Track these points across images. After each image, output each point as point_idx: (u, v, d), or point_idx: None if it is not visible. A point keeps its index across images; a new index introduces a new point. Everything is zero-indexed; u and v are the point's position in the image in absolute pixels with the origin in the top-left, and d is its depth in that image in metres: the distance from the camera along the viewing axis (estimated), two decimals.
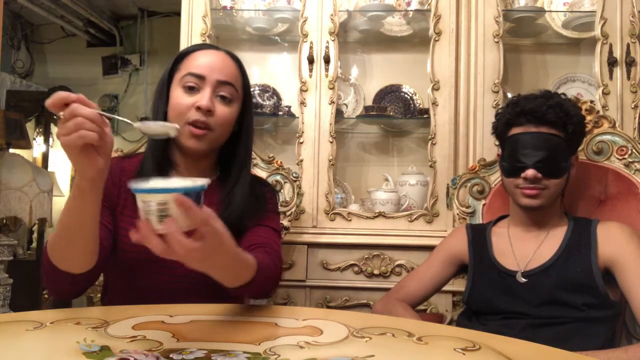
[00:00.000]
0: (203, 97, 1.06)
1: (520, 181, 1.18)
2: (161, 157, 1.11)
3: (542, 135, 1.16)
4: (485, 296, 1.23)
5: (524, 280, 1.18)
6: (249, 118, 1.18)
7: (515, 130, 1.21)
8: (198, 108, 1.05)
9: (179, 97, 1.07)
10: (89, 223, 0.85)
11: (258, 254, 0.95)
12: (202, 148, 1.09)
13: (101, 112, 0.76)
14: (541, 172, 1.16)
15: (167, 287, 1.06)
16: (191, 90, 1.07)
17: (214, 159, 1.19)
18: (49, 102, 0.75)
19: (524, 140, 1.18)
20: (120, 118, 0.86)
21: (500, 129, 1.26)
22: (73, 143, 0.75)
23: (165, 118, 1.09)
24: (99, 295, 1.24)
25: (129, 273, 1.08)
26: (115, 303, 1.03)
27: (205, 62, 1.09)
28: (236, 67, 1.14)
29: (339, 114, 2.03)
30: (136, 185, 0.66)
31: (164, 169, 1.10)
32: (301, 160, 1.95)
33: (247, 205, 1.11)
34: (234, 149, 1.17)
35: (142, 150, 1.55)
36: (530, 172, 1.16)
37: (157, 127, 0.87)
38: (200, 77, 1.07)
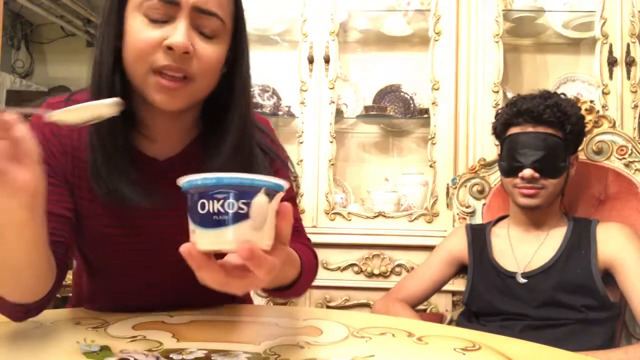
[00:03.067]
0: (176, 31, 0.70)
1: (518, 181, 1.19)
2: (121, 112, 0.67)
3: (539, 135, 1.16)
4: (484, 297, 1.23)
5: (524, 281, 1.18)
6: (243, 52, 0.80)
7: (513, 130, 1.21)
8: (169, 48, 0.70)
9: (139, 29, 0.71)
10: (39, 251, 0.64)
11: (298, 246, 0.79)
12: (178, 106, 0.75)
13: None
14: (538, 172, 1.16)
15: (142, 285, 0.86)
16: (157, 21, 0.71)
17: (198, 114, 0.83)
18: None
19: (522, 140, 1.18)
20: (24, 110, 0.56)
21: (499, 128, 1.26)
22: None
23: (117, 61, 0.74)
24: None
25: (98, 270, 0.88)
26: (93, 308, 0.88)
27: None
28: None
29: (339, 114, 2.03)
30: (189, 178, 0.49)
31: (125, 130, 0.76)
32: (301, 160, 1.95)
33: (243, 159, 0.80)
34: (225, 98, 0.80)
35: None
36: (527, 172, 1.16)
37: (84, 112, 0.59)
38: (173, 3, 0.70)
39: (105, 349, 0.65)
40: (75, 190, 0.78)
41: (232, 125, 0.79)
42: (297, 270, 0.75)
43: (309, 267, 0.80)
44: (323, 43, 1.97)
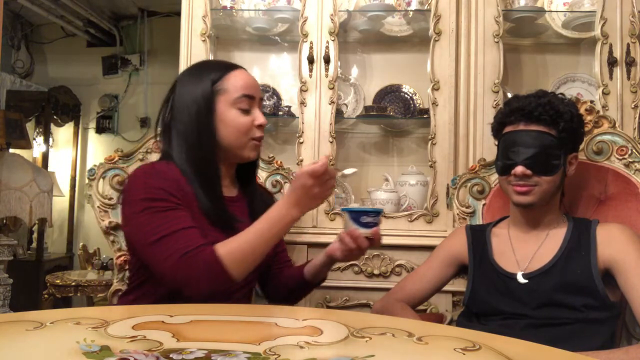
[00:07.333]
0: (259, 116, 1.20)
1: (512, 178, 1.19)
2: (216, 170, 1.19)
3: (531, 132, 1.17)
4: (485, 299, 1.23)
5: (524, 281, 1.18)
6: None
7: (507, 129, 1.22)
8: (259, 126, 1.19)
9: (238, 118, 1.17)
10: None
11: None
12: (257, 154, 1.25)
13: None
14: (530, 169, 1.16)
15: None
16: (245, 111, 1.18)
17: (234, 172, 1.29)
18: (325, 170, 1.04)
19: (514, 138, 1.19)
20: (347, 170, 1.19)
21: (495, 128, 1.27)
22: (330, 194, 1.11)
23: (213, 135, 1.16)
24: (99, 295, 1.28)
25: None
26: (141, 302, 1.13)
27: (250, 82, 1.21)
28: None
29: (339, 114, 2.03)
30: (351, 208, 1.13)
31: (217, 179, 1.19)
32: (301, 160, 1.95)
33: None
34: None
35: (141, 150, 1.56)
36: (519, 169, 1.16)
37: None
38: (252, 98, 1.19)
39: (105, 349, 0.65)
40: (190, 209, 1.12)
41: (253, 182, 1.32)
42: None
43: None
44: (323, 43, 1.97)
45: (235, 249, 1.03)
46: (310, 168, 1.04)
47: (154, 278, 1.12)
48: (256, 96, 1.20)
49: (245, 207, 1.25)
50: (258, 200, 1.28)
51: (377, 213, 1.10)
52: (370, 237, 1.10)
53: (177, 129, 1.18)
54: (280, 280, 1.32)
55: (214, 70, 1.20)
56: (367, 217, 1.09)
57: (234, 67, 1.22)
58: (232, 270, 1.01)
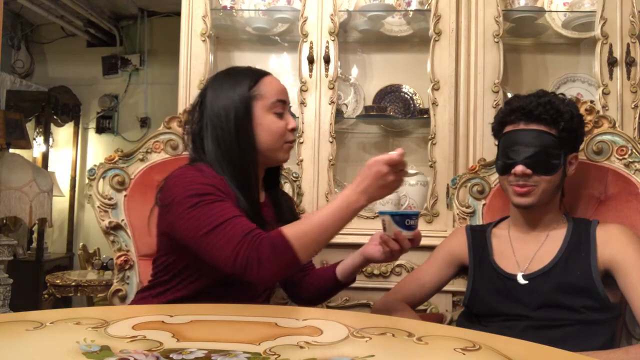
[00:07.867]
0: (291, 120, 1.24)
1: (512, 178, 1.19)
2: (253, 174, 1.21)
3: (531, 132, 1.17)
4: (485, 299, 1.23)
5: (524, 282, 1.18)
6: None
7: (508, 128, 1.22)
8: (292, 129, 1.24)
9: (274, 122, 1.21)
10: None
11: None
12: (288, 157, 1.28)
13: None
14: (530, 168, 1.16)
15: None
16: (280, 114, 1.22)
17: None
18: (401, 160, 1.03)
19: (514, 137, 1.19)
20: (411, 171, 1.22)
21: (495, 127, 1.27)
22: (400, 186, 1.08)
23: (253, 139, 1.19)
24: (99, 295, 1.27)
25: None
26: (165, 298, 1.16)
27: (282, 88, 1.25)
28: None
29: (339, 114, 2.03)
30: (391, 212, 1.19)
31: (253, 182, 1.21)
32: (301, 160, 1.95)
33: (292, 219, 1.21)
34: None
35: (141, 150, 1.56)
36: (519, 168, 1.16)
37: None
38: (285, 102, 1.24)
39: (105, 349, 0.65)
40: None
41: (278, 187, 1.37)
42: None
43: None
44: (323, 43, 1.97)
45: (302, 232, 1.02)
46: (387, 156, 1.03)
47: (182, 275, 1.15)
48: (287, 101, 1.25)
49: (272, 212, 1.28)
50: (284, 206, 1.32)
51: (417, 215, 1.15)
52: (411, 238, 1.13)
53: (212, 134, 1.19)
54: (307, 281, 1.33)
55: (248, 76, 1.23)
56: (410, 220, 1.12)
57: (265, 73, 1.27)
58: (300, 252, 1.00)
